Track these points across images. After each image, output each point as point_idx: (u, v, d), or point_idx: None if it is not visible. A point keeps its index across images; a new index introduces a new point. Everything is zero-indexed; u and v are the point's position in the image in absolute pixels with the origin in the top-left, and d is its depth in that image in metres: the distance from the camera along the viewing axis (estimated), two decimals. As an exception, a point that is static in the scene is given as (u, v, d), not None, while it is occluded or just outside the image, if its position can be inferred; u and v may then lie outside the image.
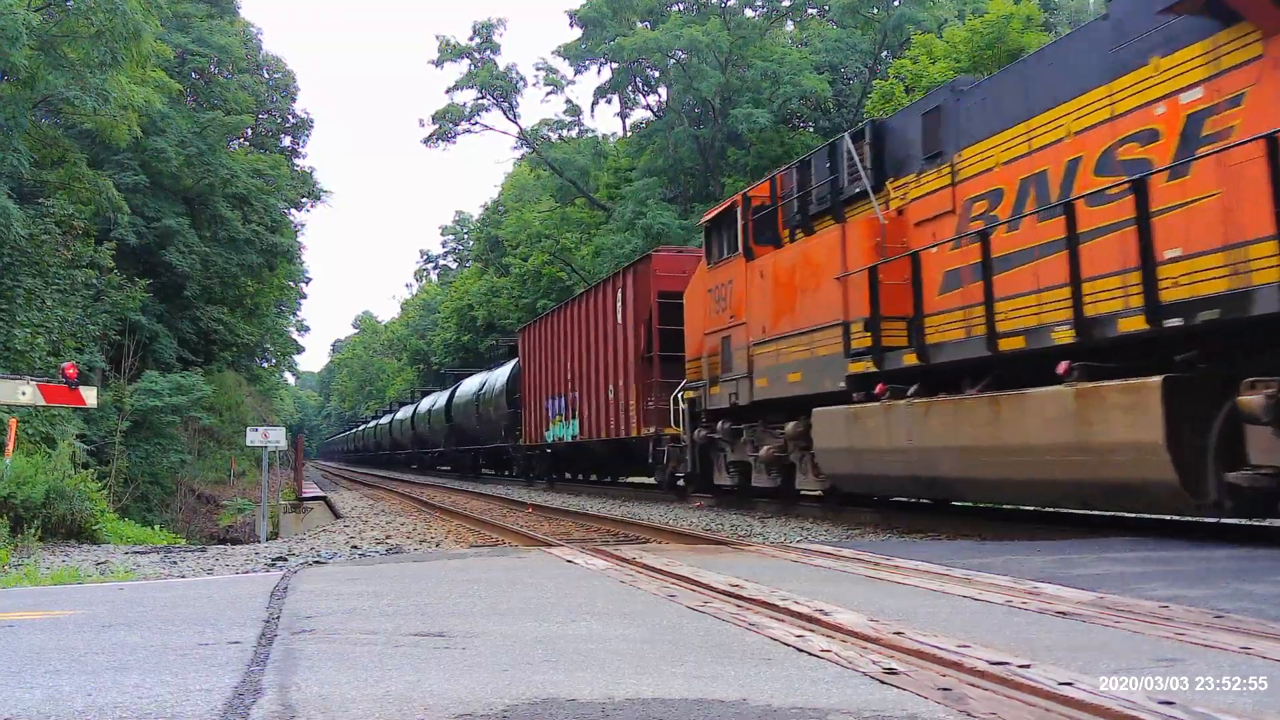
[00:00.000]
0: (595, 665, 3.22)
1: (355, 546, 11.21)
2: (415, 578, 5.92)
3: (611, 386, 19.24)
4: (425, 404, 45.53)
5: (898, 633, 3.59)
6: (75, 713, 2.64)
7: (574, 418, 21.71)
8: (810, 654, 3.35)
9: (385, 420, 60.92)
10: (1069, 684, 2.77)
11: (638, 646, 3.55)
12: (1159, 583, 4.87)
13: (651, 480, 19.36)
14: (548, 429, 24.05)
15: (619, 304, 19.04)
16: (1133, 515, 11.16)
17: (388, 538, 12.71)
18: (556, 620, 4.19)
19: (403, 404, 58.36)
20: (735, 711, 2.62)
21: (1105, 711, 2.54)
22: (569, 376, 22.14)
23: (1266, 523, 9.20)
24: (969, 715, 2.56)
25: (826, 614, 4.02)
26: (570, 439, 22.15)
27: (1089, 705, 2.59)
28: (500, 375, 31.36)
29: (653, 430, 17.09)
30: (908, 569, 5.65)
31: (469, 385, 36.92)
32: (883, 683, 2.92)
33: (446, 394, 40.57)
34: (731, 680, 2.98)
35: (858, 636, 3.60)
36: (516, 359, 28.82)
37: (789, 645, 3.50)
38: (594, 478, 26.25)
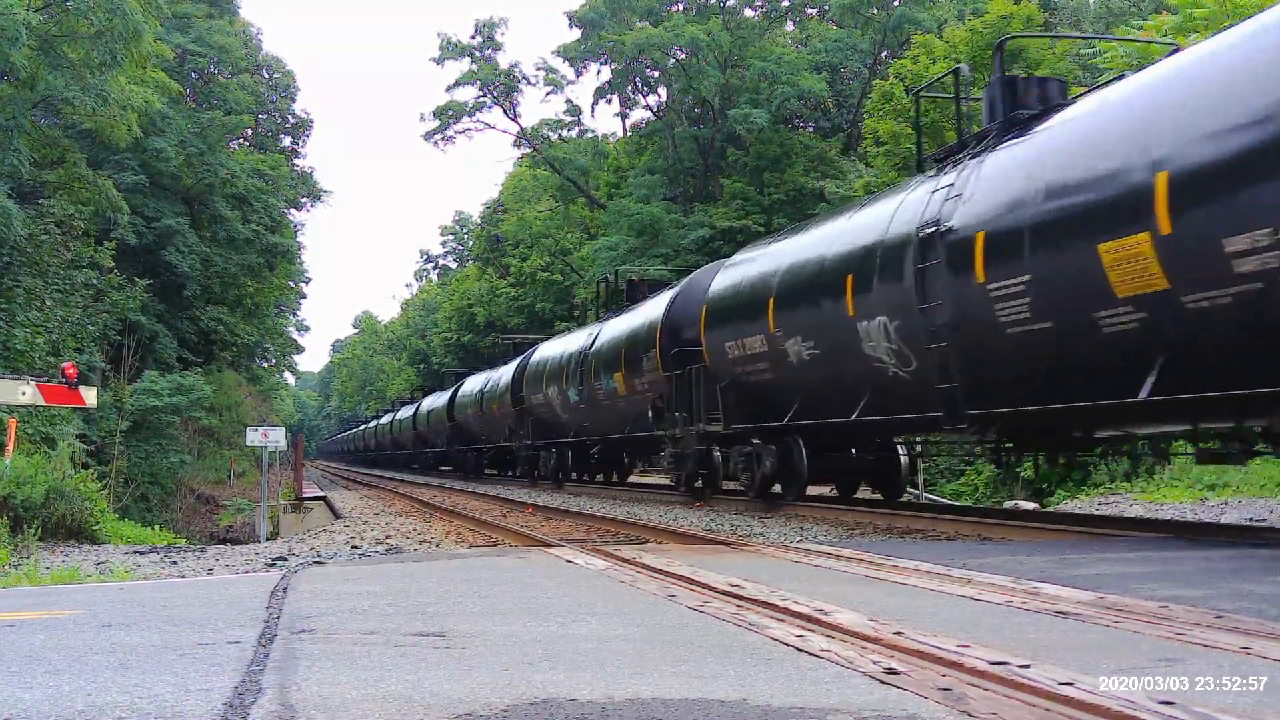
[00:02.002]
0: (595, 665, 3.21)
1: (355, 546, 11.20)
2: (415, 577, 5.92)
3: None
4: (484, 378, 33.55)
5: (898, 632, 3.59)
6: (75, 713, 2.64)
7: None
8: (810, 654, 3.35)
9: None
10: (1069, 684, 2.77)
11: (638, 646, 3.55)
12: (1159, 583, 4.87)
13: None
14: None
15: None
16: (1132, 515, 11.18)
17: (388, 538, 12.70)
18: (556, 620, 4.19)
19: (448, 385, 44.67)
20: (735, 711, 2.62)
21: (1105, 711, 2.54)
22: None
23: (1266, 523, 9.21)
24: (969, 715, 2.56)
25: (826, 614, 4.02)
26: None
27: (1089, 705, 2.59)
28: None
29: None
30: (908, 569, 5.64)
31: (552, 347, 24.87)
32: (883, 682, 2.91)
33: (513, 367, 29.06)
34: (731, 680, 2.98)
35: (858, 636, 3.60)
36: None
37: (789, 645, 3.50)
38: None
